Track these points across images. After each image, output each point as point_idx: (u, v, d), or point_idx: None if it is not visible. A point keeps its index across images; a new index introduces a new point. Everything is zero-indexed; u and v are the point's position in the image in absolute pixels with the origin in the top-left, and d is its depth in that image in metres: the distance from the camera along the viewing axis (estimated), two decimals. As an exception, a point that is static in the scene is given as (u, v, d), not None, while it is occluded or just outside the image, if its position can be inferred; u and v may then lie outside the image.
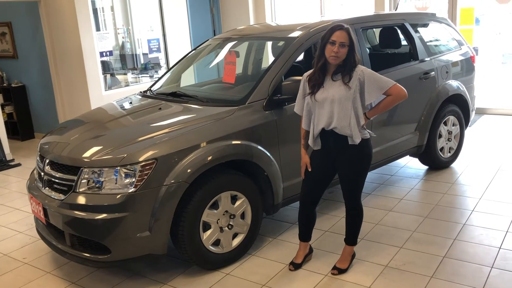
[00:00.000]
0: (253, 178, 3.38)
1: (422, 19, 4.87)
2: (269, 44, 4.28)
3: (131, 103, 3.93)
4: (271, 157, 3.37)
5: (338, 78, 2.85)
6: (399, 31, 4.54)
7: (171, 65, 7.86)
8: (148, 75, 7.91)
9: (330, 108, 2.85)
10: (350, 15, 4.38)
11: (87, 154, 3.04)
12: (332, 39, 2.78)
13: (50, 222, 3.15)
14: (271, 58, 4.33)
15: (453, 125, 4.90)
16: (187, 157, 2.99)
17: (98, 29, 6.87)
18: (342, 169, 2.99)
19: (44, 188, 3.22)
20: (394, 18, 4.53)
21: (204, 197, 3.07)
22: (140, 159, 2.88)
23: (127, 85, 7.42)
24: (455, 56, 4.92)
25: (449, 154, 4.95)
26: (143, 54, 7.87)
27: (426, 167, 4.99)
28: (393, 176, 4.84)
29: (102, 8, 7.17)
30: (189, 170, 2.96)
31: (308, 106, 2.97)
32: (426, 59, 4.57)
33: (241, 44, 4.38)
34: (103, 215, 2.86)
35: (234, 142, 3.20)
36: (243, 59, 4.47)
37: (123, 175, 2.90)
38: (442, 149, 4.85)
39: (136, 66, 7.85)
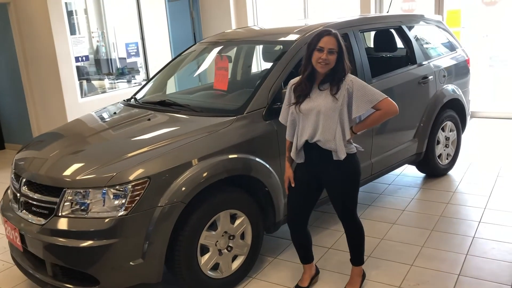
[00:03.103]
0: (252, 194, 3.11)
1: (418, 22, 4.70)
2: (263, 48, 4.01)
3: (115, 113, 3.60)
4: (272, 171, 3.11)
5: (325, 87, 2.61)
6: (395, 34, 4.35)
7: (150, 70, 7.55)
8: (125, 81, 7.55)
9: (315, 120, 2.61)
10: (347, 17, 4.16)
11: (70, 173, 2.71)
12: (319, 46, 2.53)
13: (28, 249, 2.81)
14: (265, 63, 4.10)
15: (450, 131, 4.74)
16: (183, 174, 2.70)
17: (72, 33, 6.48)
18: (330, 187, 2.76)
19: (21, 211, 2.87)
20: (392, 20, 4.34)
21: (201, 217, 2.79)
22: (131, 178, 2.57)
23: (104, 92, 7.05)
24: (451, 60, 4.77)
25: (446, 161, 4.79)
26: (120, 58, 7.51)
27: (422, 175, 4.82)
28: (391, 185, 4.64)
29: (76, 11, 6.79)
30: (185, 189, 2.67)
31: (293, 115, 2.71)
32: (424, 63, 4.40)
33: (232, 49, 4.11)
34: (90, 242, 2.54)
35: (233, 156, 2.92)
36: (234, 64, 4.19)
37: (112, 196, 2.58)
38: (440, 156, 4.69)
39: (111, 71, 7.48)
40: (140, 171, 2.60)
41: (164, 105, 3.47)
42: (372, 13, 6.98)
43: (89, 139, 3.19)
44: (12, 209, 2.98)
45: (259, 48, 4.06)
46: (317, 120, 2.59)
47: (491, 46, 7.14)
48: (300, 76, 2.66)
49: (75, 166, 2.76)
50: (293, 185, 2.78)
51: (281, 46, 3.54)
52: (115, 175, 2.58)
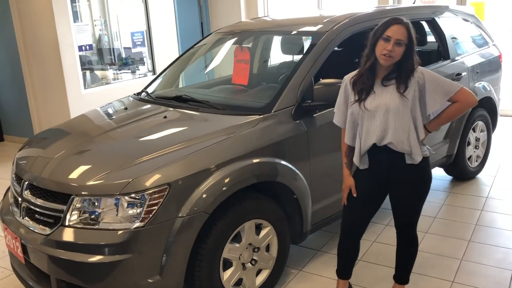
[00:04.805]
0: (278, 202, 2.81)
1: (450, 14, 4.37)
2: (288, 39, 3.67)
3: (126, 108, 3.27)
4: (302, 176, 2.81)
5: (391, 83, 2.30)
6: (428, 27, 4.03)
7: (156, 60, 7.21)
8: (129, 71, 7.21)
9: (383, 119, 2.29)
10: (379, 6, 3.83)
11: (79, 177, 2.40)
12: (386, 35, 2.22)
13: (30, 262, 2.51)
14: (284, 56, 3.80)
15: (480, 131, 4.44)
16: (206, 180, 2.39)
17: (75, 20, 6.13)
18: (398, 194, 2.45)
19: (23, 218, 2.57)
20: (424, 12, 4.01)
21: (225, 228, 2.49)
22: (149, 185, 2.26)
23: (108, 83, 6.72)
24: (484, 55, 4.45)
25: (476, 163, 4.49)
26: (125, 48, 7.16)
27: (449, 178, 4.52)
28: (418, 189, 4.33)
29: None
30: (209, 197, 2.36)
31: (353, 116, 2.40)
32: (457, 58, 4.08)
33: (252, 40, 3.78)
34: (101, 257, 2.24)
35: (261, 159, 2.61)
36: (254, 57, 3.86)
37: (126, 205, 2.28)
38: (469, 158, 4.38)
39: (114, 61, 7.14)
40: (159, 177, 2.29)
41: (181, 101, 3.15)
42: (390, 4, 6.64)
43: (99, 138, 2.86)
44: (13, 216, 2.67)
45: (282, 40, 3.71)
46: (386, 120, 2.28)
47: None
48: (359, 69, 2.35)
49: (84, 169, 2.45)
50: (355, 195, 2.46)
51: (310, 38, 3.21)
52: (131, 182, 2.27)
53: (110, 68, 7.00)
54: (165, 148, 2.50)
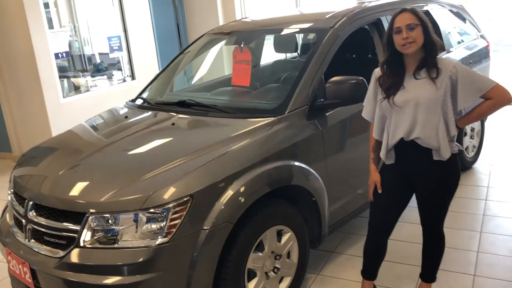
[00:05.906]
0: (296, 205, 2.72)
1: (442, 6, 4.37)
2: (289, 37, 3.57)
3: (126, 117, 3.10)
4: (319, 178, 2.72)
5: (423, 75, 2.22)
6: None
7: (134, 64, 6.99)
8: (105, 77, 6.96)
9: (412, 113, 2.22)
10: (360, 2, 3.74)
11: (93, 194, 2.24)
12: (396, 27, 2.16)
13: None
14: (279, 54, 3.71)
15: (475, 121, 4.46)
16: (228, 189, 2.27)
17: (49, 27, 5.85)
18: (424, 191, 2.39)
19: (29, 241, 2.38)
20: (419, 4, 3.98)
21: (249, 237, 2.38)
22: (171, 198, 2.13)
23: (87, 90, 6.45)
24: (474, 45, 4.49)
25: (472, 153, 4.52)
26: (102, 54, 6.91)
27: (446, 169, 4.53)
28: (418, 182, 4.32)
29: (47, 3, 6.12)
30: (232, 206, 2.25)
31: (382, 110, 2.33)
32: (452, 49, 4.09)
33: (252, 40, 3.67)
34: (122, 278, 2.09)
35: (279, 163, 2.50)
36: (255, 57, 3.75)
37: (146, 221, 2.14)
38: (466, 148, 4.40)
39: (86, 68, 6.88)
40: (180, 188, 2.16)
41: (185, 106, 3.01)
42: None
43: (105, 151, 2.66)
44: (15, 238, 2.48)
45: (286, 38, 3.60)
46: (415, 114, 2.21)
47: (494, 30, 6.95)
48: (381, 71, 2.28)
49: (96, 185, 2.30)
50: (380, 191, 2.40)
51: (314, 35, 3.12)
52: (151, 195, 2.13)
53: (83, 75, 6.73)
54: (180, 158, 2.36)
